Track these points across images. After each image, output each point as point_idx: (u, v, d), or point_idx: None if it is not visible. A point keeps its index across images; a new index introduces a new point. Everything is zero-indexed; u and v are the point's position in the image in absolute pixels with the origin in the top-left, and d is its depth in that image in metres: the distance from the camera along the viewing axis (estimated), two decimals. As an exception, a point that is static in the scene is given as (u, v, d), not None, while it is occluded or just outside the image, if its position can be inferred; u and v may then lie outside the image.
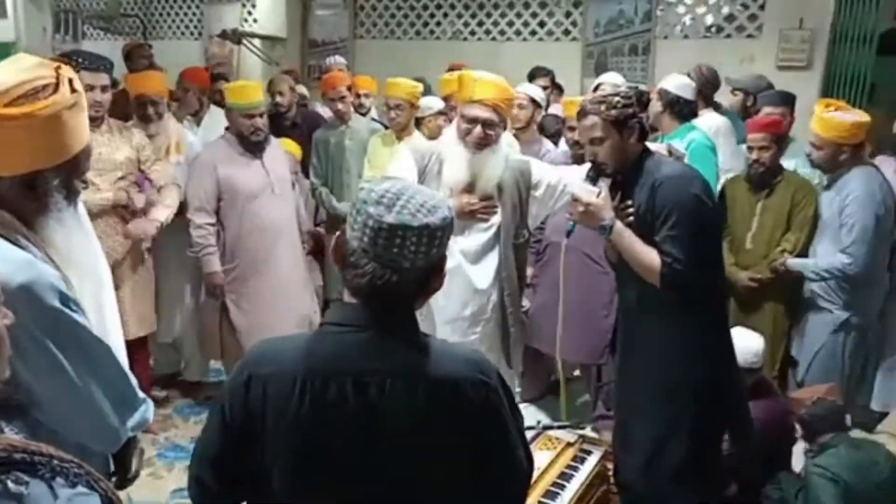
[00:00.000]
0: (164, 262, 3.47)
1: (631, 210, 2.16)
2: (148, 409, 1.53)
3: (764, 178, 3.12)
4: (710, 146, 3.30)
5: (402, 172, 2.46)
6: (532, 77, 4.68)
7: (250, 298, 3.32)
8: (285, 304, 3.35)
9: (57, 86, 1.31)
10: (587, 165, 2.38)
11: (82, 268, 1.44)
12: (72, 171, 1.39)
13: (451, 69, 4.45)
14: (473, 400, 1.19)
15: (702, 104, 3.66)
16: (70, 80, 1.34)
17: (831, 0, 4.62)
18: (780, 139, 3.16)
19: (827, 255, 2.96)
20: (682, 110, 3.37)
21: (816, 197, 3.08)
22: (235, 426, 1.22)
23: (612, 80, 3.68)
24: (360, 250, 1.15)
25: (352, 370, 1.17)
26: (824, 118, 2.88)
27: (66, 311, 1.27)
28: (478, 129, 2.41)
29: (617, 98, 2.13)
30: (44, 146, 1.31)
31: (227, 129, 3.37)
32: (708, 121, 3.61)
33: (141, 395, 1.50)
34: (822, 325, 3.00)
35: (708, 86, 3.75)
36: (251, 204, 3.24)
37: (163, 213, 3.13)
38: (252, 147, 3.24)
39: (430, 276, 1.20)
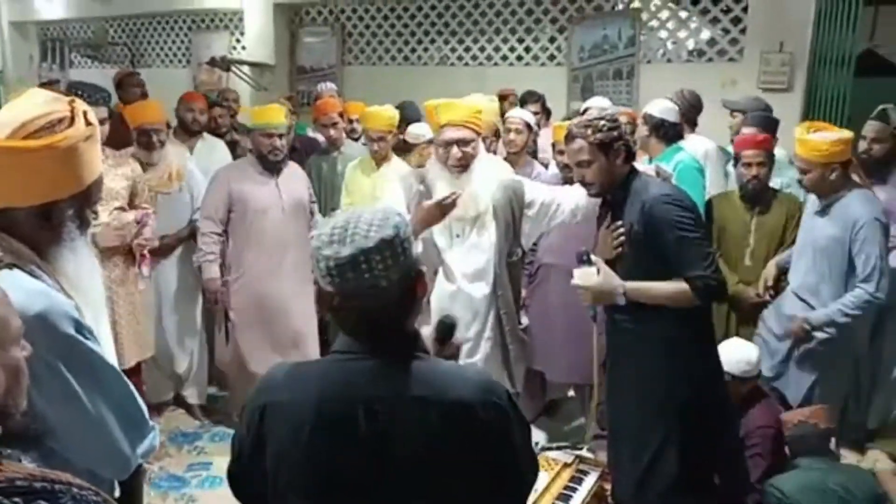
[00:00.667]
0: (168, 291, 3.53)
1: (622, 230, 2.21)
2: (156, 437, 1.54)
3: (759, 194, 3.17)
4: (697, 167, 3.36)
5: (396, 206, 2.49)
6: (524, 102, 4.76)
7: (249, 312, 3.38)
8: (283, 320, 3.39)
9: (73, 119, 1.35)
10: (577, 186, 2.44)
11: (90, 296, 1.46)
12: (85, 202, 1.42)
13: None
14: (485, 422, 1.19)
15: (686, 128, 3.73)
16: (85, 113, 1.38)
17: (810, 23, 4.74)
18: (771, 156, 3.21)
19: (810, 277, 2.92)
20: (668, 133, 3.45)
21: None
22: (253, 451, 1.24)
23: (599, 105, 3.76)
24: (337, 294, 1.17)
25: (362, 397, 1.18)
26: (806, 141, 2.88)
27: (80, 338, 1.29)
28: (454, 151, 2.47)
29: (602, 122, 2.20)
30: (61, 177, 1.34)
31: (249, 150, 3.52)
32: (696, 144, 3.67)
33: (150, 421, 1.51)
34: (817, 351, 2.95)
35: (691, 109, 3.81)
36: (259, 220, 3.34)
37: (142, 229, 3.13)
38: (269, 166, 3.38)
39: (412, 285, 1.22)
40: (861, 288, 2.79)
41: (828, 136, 2.89)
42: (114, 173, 3.05)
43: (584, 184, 2.30)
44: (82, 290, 1.41)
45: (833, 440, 2.55)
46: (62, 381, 1.25)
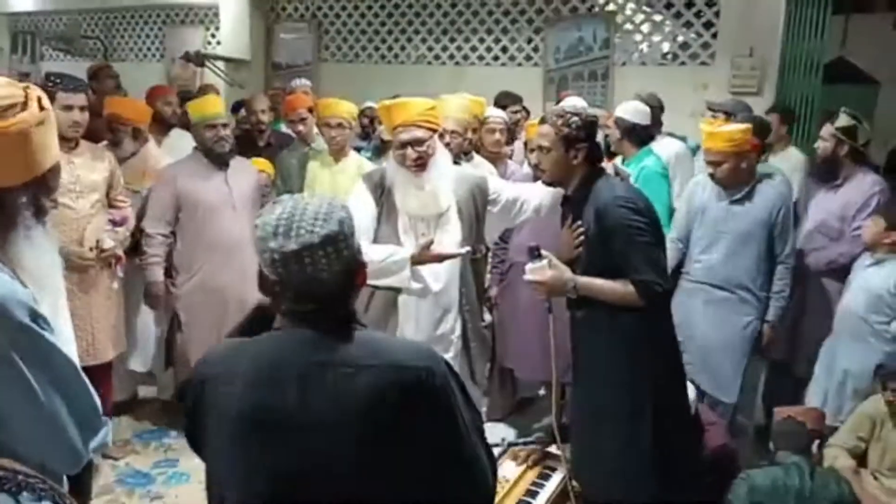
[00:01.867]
0: (133, 291, 3.46)
1: (581, 230, 2.25)
2: (108, 433, 1.51)
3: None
4: (661, 172, 3.42)
5: (363, 210, 2.49)
6: (504, 106, 4.73)
7: (200, 311, 3.32)
8: (238, 318, 3.32)
9: (25, 104, 1.32)
10: (541, 184, 2.47)
11: (48, 286, 1.43)
12: (40, 189, 1.39)
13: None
14: (419, 385, 1.21)
15: (653, 130, 3.75)
16: (39, 98, 1.35)
17: (780, 29, 4.83)
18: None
19: (729, 265, 3.09)
20: (640, 135, 3.50)
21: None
22: (195, 427, 1.31)
23: (574, 104, 3.78)
24: (280, 281, 1.21)
25: (295, 363, 1.21)
26: (718, 133, 3.05)
27: (36, 328, 1.26)
28: (409, 152, 2.47)
29: (575, 118, 2.25)
30: (11, 163, 1.31)
31: (195, 148, 3.41)
32: (667, 146, 3.72)
33: (104, 417, 1.48)
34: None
35: (657, 111, 3.84)
36: (210, 218, 3.27)
37: (121, 233, 3.13)
38: (216, 159, 3.31)
39: (353, 276, 1.26)
40: (785, 264, 3.09)
41: (738, 126, 3.08)
42: (92, 165, 3.01)
43: (538, 168, 2.37)
44: (39, 280, 1.38)
45: (817, 443, 2.57)
46: (14, 370, 1.22)
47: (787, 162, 3.95)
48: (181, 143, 3.99)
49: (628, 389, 2.25)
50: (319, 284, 1.20)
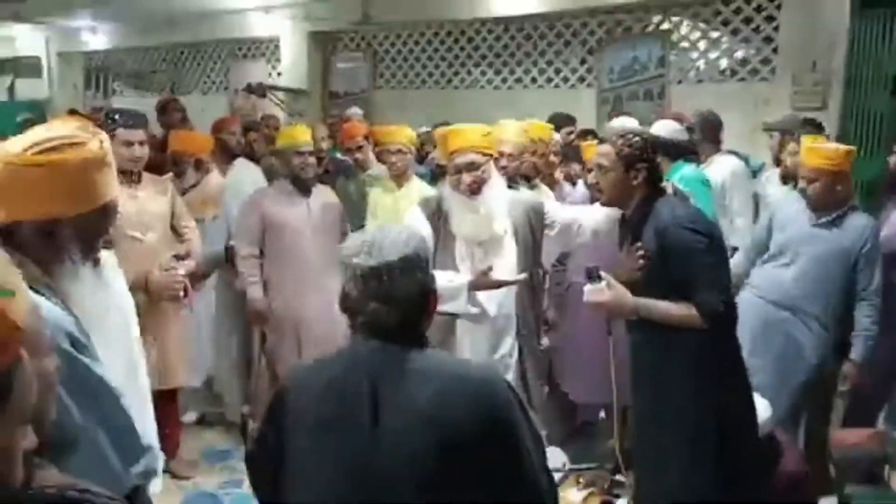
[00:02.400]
0: (209, 310, 3.63)
1: (642, 253, 2.22)
2: (155, 459, 1.54)
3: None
4: (700, 179, 3.33)
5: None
6: (559, 127, 4.72)
7: (285, 332, 3.44)
8: (317, 340, 3.40)
9: (86, 142, 1.40)
10: (598, 206, 2.45)
11: (98, 327, 1.47)
12: (91, 226, 1.45)
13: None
14: (481, 397, 1.30)
15: (710, 147, 3.67)
16: (101, 141, 1.43)
17: (844, 42, 4.69)
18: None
19: (800, 286, 2.95)
20: (670, 152, 3.44)
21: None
22: (271, 432, 1.40)
23: (625, 125, 3.75)
24: (359, 297, 1.33)
25: (367, 372, 1.32)
26: (817, 149, 2.93)
27: (75, 354, 1.31)
28: (465, 177, 2.49)
29: (637, 139, 2.23)
30: (63, 194, 1.38)
31: (284, 176, 3.55)
32: (721, 164, 3.63)
33: (146, 443, 1.51)
34: None
35: (712, 128, 3.72)
36: (293, 241, 3.39)
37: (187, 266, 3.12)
38: (301, 185, 3.44)
39: (425, 300, 1.38)
40: (869, 301, 2.89)
41: (841, 147, 2.95)
42: (154, 198, 3.12)
43: (597, 188, 2.34)
44: (89, 316, 1.43)
45: (886, 467, 2.46)
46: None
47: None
48: (245, 171, 4.13)
49: (691, 412, 2.19)
50: (394, 303, 1.32)
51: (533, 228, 2.61)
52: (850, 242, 2.89)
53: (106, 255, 1.70)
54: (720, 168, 3.57)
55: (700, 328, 2.13)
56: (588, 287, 2.25)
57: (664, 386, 2.24)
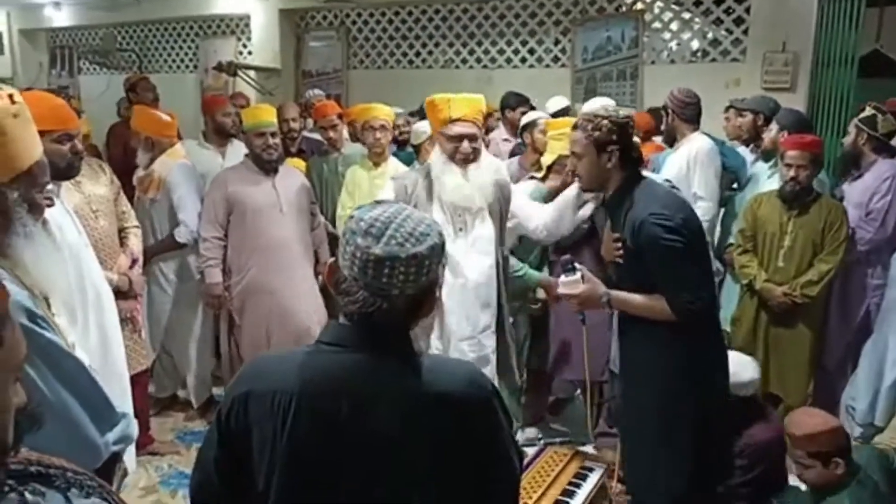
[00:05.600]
0: (167, 292, 3.57)
1: (620, 245, 2.21)
2: (130, 426, 1.51)
3: (798, 196, 3.15)
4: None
5: None
6: (513, 107, 4.71)
7: (252, 313, 3.40)
8: (288, 320, 3.40)
9: None
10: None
11: (56, 284, 1.44)
12: (30, 185, 1.41)
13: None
14: (470, 414, 1.21)
15: (687, 127, 3.66)
16: (10, 95, 1.38)
17: (813, 23, 4.76)
18: (817, 159, 3.18)
19: None
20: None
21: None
22: (233, 440, 1.22)
23: (604, 105, 3.74)
24: (350, 278, 1.17)
25: (346, 390, 1.18)
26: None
27: (34, 328, 1.28)
28: (465, 145, 2.51)
29: (605, 121, 2.18)
30: None
31: (246, 155, 3.49)
32: (691, 144, 3.62)
33: (119, 409, 1.49)
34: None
35: (686, 108, 3.65)
36: (257, 220, 3.35)
37: (134, 267, 3.02)
38: (265, 166, 3.39)
39: (422, 300, 1.21)
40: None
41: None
42: (95, 178, 2.95)
43: (573, 174, 2.40)
44: (44, 281, 1.40)
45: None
46: None
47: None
48: (240, 153, 4.04)
49: (670, 398, 2.21)
50: (386, 299, 1.16)
51: (502, 205, 2.67)
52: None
53: (51, 212, 1.62)
54: (686, 148, 3.59)
55: (674, 320, 2.13)
56: (562, 279, 2.27)
57: (643, 363, 2.25)
